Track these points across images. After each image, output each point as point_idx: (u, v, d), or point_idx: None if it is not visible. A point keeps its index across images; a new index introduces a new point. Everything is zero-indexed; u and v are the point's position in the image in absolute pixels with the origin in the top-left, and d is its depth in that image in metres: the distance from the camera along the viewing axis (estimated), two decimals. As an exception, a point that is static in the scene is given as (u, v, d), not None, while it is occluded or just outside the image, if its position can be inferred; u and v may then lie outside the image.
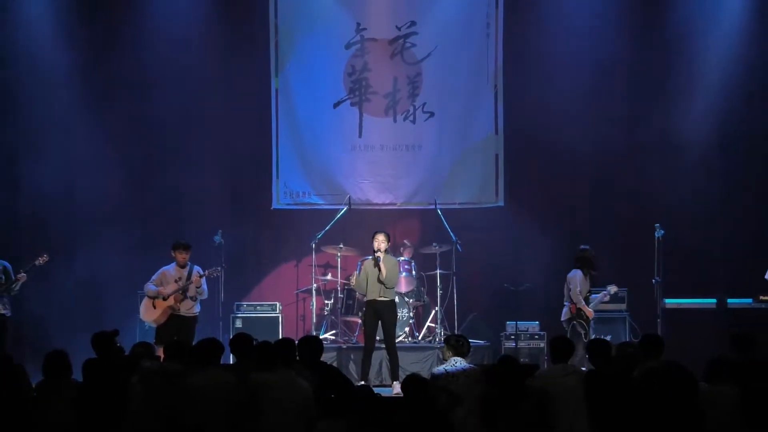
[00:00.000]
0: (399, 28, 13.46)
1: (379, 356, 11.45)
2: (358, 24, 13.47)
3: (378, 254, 10.90)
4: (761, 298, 11.46)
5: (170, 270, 11.17)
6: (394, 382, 10.79)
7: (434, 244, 12.76)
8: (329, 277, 12.99)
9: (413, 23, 13.45)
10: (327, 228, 12.62)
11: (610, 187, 13.35)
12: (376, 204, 13.51)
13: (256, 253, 13.50)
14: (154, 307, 11.10)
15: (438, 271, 12.59)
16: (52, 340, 10.71)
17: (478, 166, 13.45)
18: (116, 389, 7.42)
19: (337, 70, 13.50)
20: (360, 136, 13.53)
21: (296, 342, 7.97)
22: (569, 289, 11.18)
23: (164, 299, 11.05)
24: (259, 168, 13.56)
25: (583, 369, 8.48)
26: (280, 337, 12.08)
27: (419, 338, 12.60)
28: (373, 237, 11.02)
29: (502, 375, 7.58)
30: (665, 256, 11.98)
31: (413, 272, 12.62)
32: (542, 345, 12.26)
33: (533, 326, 12.50)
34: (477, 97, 13.46)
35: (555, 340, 8.15)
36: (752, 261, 12.06)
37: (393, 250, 11.66)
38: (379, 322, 10.93)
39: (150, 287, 11.13)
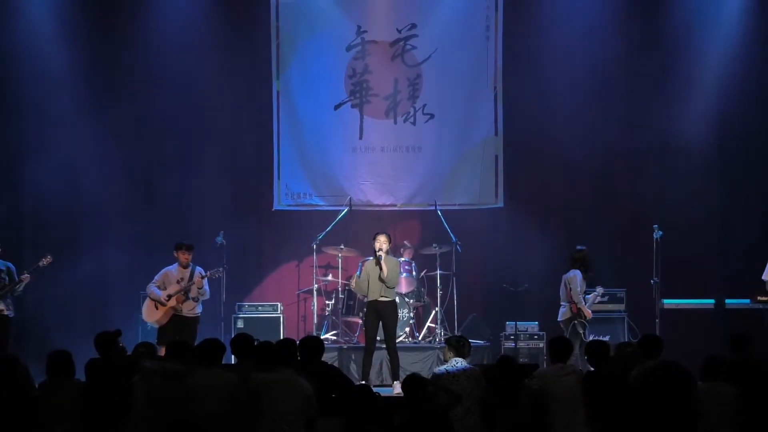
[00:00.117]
0: (399, 31, 13.50)
1: (380, 356, 11.47)
2: (359, 26, 13.51)
3: (379, 254, 10.94)
4: (759, 298, 11.46)
5: (172, 270, 11.18)
6: (395, 382, 10.82)
7: (434, 245, 12.78)
8: (330, 277, 13.00)
9: (413, 26, 13.49)
10: (328, 229, 12.64)
11: (608, 189, 13.37)
12: (377, 205, 13.54)
13: (257, 253, 13.53)
14: (156, 308, 11.10)
15: (438, 272, 12.61)
16: (55, 341, 10.72)
17: (478, 167, 13.48)
18: (119, 389, 7.44)
19: (337, 73, 13.54)
20: (361, 137, 13.57)
21: (297, 342, 7.98)
22: (569, 290, 11.18)
23: (164, 305, 11.07)
24: (261, 169, 13.60)
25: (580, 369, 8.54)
26: (282, 337, 12.14)
27: (419, 338, 12.61)
28: (374, 238, 11.03)
29: (501, 375, 7.65)
30: (663, 256, 11.99)
31: (413, 273, 12.64)
32: (541, 345, 12.27)
33: (532, 326, 12.53)
34: (477, 99, 13.50)
35: (554, 340, 8.22)
36: (750, 262, 12.07)
37: (393, 251, 11.67)
38: (380, 322, 10.95)
39: (153, 289, 11.12)
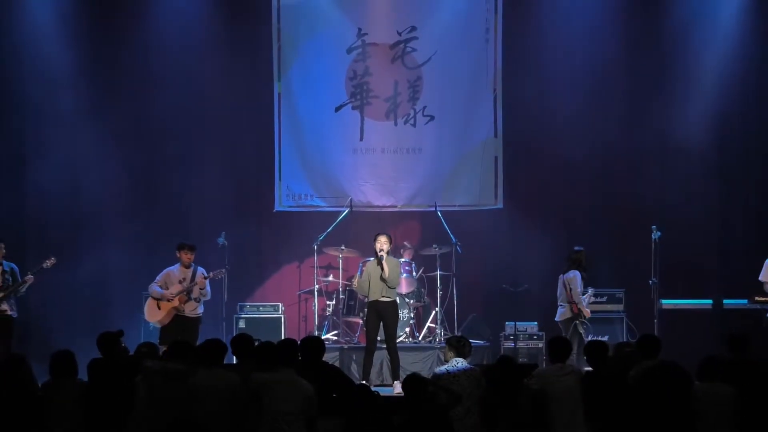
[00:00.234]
0: (400, 33, 13.53)
1: (380, 356, 11.49)
2: (360, 29, 13.53)
3: (381, 254, 10.97)
4: (756, 299, 11.46)
5: (174, 271, 11.22)
6: (395, 382, 10.84)
7: (434, 245, 12.79)
8: (331, 278, 13.02)
9: (414, 28, 13.51)
10: (329, 230, 12.66)
11: (607, 189, 13.40)
12: (377, 206, 13.56)
13: (258, 254, 13.53)
14: (159, 308, 11.14)
15: (438, 273, 12.62)
16: (57, 341, 10.76)
17: (478, 168, 13.51)
18: (121, 389, 7.46)
19: (338, 75, 13.57)
20: (361, 139, 13.59)
21: (298, 342, 8.01)
22: (568, 290, 11.21)
23: (168, 301, 11.13)
24: (262, 170, 13.62)
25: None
26: (283, 337, 12.19)
27: (419, 338, 12.64)
28: (374, 238, 11.06)
29: (501, 375, 7.68)
30: (662, 257, 12.03)
31: (413, 273, 12.67)
32: (541, 345, 12.29)
33: (532, 326, 12.55)
34: (476, 100, 13.53)
35: (553, 340, 8.25)
36: (748, 262, 12.05)
37: (393, 251, 11.68)
38: (381, 323, 10.97)
39: (155, 288, 11.16)
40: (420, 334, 12.76)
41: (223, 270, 11.60)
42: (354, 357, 11.93)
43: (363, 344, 11.54)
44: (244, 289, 13.21)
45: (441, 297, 12.56)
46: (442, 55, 13.52)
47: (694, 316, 12.44)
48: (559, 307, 11.39)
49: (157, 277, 11.25)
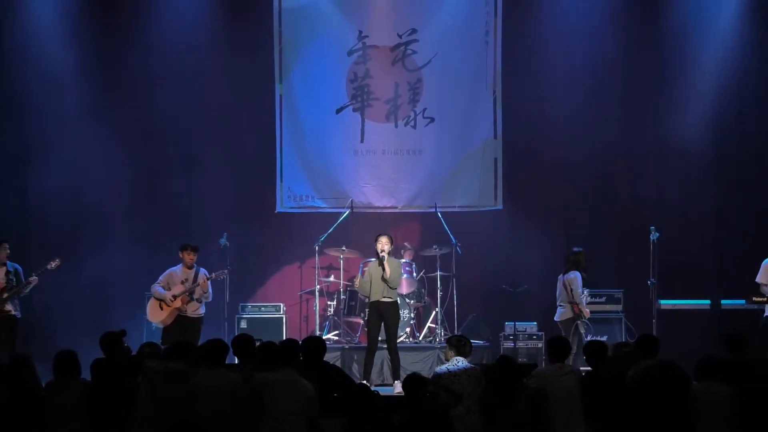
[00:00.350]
0: (400, 36, 13.56)
1: (381, 356, 11.51)
2: (360, 32, 13.56)
3: (382, 254, 11.02)
4: (754, 299, 11.49)
5: (177, 271, 11.25)
6: (396, 382, 10.88)
7: (434, 246, 12.82)
8: (332, 278, 13.06)
9: (414, 31, 13.54)
10: (330, 231, 12.69)
11: (606, 191, 13.43)
12: (378, 207, 13.59)
13: (260, 255, 13.52)
14: (161, 309, 11.17)
15: (438, 273, 12.65)
16: (60, 341, 10.75)
17: (478, 170, 13.53)
18: (124, 389, 7.50)
19: (339, 77, 13.59)
20: (362, 141, 13.63)
21: (299, 342, 8.05)
22: (569, 291, 11.23)
23: (171, 301, 11.17)
24: (264, 172, 13.63)
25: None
26: (284, 337, 12.26)
27: (420, 338, 12.66)
28: (376, 239, 11.09)
29: (501, 375, 7.72)
30: (661, 257, 12.05)
31: (414, 274, 12.70)
32: (540, 345, 12.31)
33: (531, 327, 12.57)
34: (476, 102, 13.56)
35: (552, 340, 8.28)
36: (746, 263, 11.98)
37: (394, 252, 11.69)
38: (382, 323, 11.01)
39: (158, 288, 11.19)
40: (420, 334, 12.78)
41: (225, 271, 11.62)
42: (355, 357, 11.96)
43: (364, 344, 11.58)
44: (246, 289, 13.23)
45: (441, 297, 12.59)
46: (442, 58, 13.55)
47: (692, 316, 12.49)
48: (559, 308, 11.42)
49: (160, 278, 11.28)
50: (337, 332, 12.77)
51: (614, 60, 13.36)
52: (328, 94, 13.65)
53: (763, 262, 11.19)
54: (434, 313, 12.76)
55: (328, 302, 13.00)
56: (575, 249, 11.55)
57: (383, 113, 13.67)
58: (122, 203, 13.35)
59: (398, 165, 13.65)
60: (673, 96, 13.31)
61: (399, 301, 11.48)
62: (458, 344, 8.15)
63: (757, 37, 13.25)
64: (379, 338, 11.16)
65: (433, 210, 13.20)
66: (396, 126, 13.68)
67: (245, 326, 12.55)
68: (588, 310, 11.38)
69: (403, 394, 7.53)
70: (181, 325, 11.11)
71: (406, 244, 13.12)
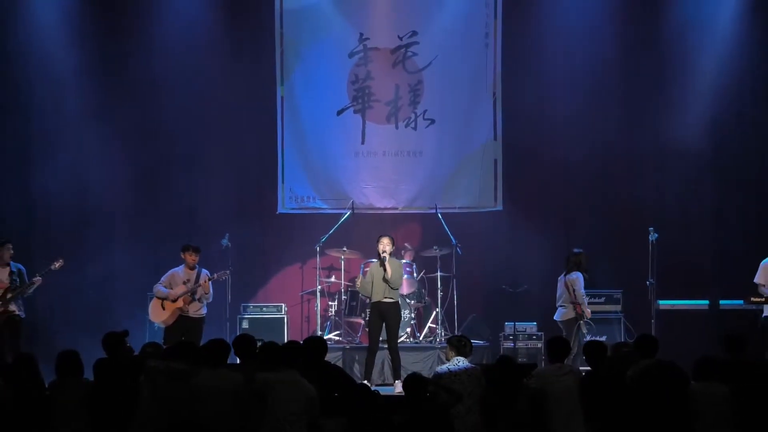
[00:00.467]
0: (401, 38, 13.59)
1: (382, 356, 11.53)
2: (361, 34, 13.60)
3: (384, 255, 11.05)
4: (753, 299, 11.51)
5: (179, 272, 11.29)
6: (396, 381, 10.90)
7: (435, 247, 12.84)
8: (333, 279, 13.09)
9: (414, 33, 13.57)
10: (331, 232, 12.72)
11: (605, 192, 13.44)
12: (379, 208, 13.61)
13: (262, 255, 13.54)
14: (163, 309, 11.21)
15: (438, 274, 12.65)
16: (63, 341, 10.79)
17: (478, 171, 13.55)
18: (126, 389, 7.52)
19: (340, 79, 13.62)
20: (363, 142, 13.66)
21: (301, 342, 8.10)
22: (571, 291, 11.22)
23: (173, 301, 11.22)
24: (265, 173, 13.66)
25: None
26: (286, 337, 12.31)
27: (420, 338, 12.68)
28: (377, 240, 11.13)
29: (501, 375, 7.73)
30: (660, 258, 12.07)
31: (414, 274, 12.73)
32: (540, 345, 12.34)
33: (531, 327, 12.60)
34: (476, 104, 13.58)
35: (552, 340, 8.29)
36: (745, 263, 11.95)
37: (394, 253, 11.71)
38: (383, 323, 11.02)
39: (160, 288, 11.24)
40: (421, 335, 12.79)
41: (227, 271, 11.64)
42: (356, 357, 11.98)
43: (365, 344, 11.60)
44: (248, 289, 13.26)
45: (441, 298, 12.60)
46: (442, 60, 13.57)
47: (690, 316, 12.51)
48: (560, 308, 11.42)
49: (162, 278, 11.33)
50: (338, 332, 12.80)
51: (614, 60, 13.38)
52: (329, 95, 13.68)
53: (762, 263, 11.19)
54: (434, 313, 12.78)
55: (329, 302, 13.03)
56: (576, 250, 11.54)
57: (384, 115, 13.70)
58: (124, 204, 13.38)
59: (399, 166, 13.68)
60: (673, 96, 13.33)
61: (400, 302, 11.50)
62: (459, 344, 8.17)
63: (756, 37, 13.28)
64: (381, 338, 11.17)
65: (434, 211, 13.21)
66: (396, 127, 13.70)
67: (247, 326, 12.58)
68: (589, 310, 11.41)
69: (403, 393, 7.55)
70: (183, 326, 11.15)
71: (406, 244, 13.13)
